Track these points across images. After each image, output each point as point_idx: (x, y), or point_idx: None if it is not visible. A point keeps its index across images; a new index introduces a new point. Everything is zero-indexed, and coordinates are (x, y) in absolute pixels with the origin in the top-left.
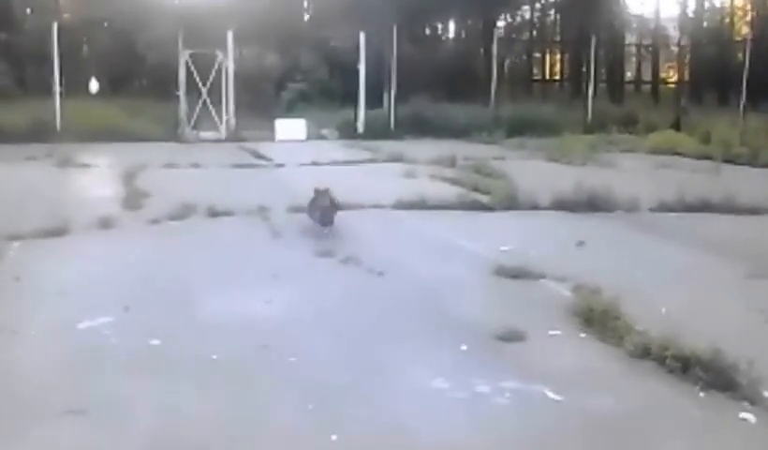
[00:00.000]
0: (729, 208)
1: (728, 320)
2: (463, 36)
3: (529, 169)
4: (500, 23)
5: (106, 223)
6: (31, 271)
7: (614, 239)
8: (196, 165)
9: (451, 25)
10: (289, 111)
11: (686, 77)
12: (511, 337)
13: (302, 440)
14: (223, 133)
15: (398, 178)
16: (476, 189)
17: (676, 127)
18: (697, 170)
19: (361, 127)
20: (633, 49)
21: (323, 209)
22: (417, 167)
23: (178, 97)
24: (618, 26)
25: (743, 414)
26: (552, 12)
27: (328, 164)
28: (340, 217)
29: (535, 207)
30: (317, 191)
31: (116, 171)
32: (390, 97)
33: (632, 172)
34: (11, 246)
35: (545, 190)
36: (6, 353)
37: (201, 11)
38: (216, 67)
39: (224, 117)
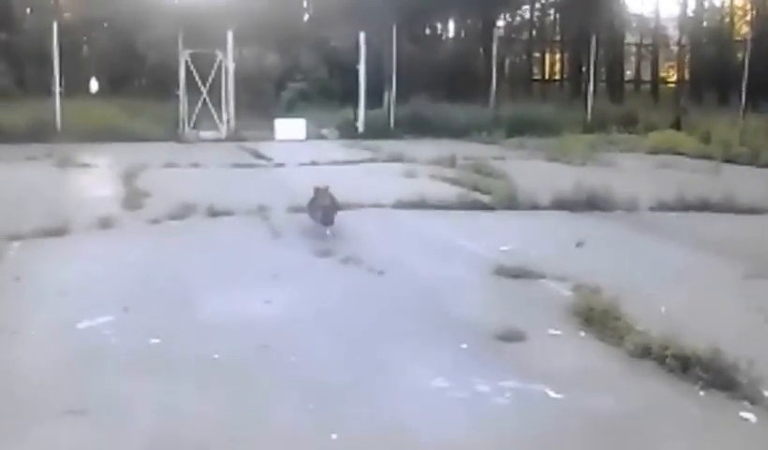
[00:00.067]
0: (729, 208)
1: (728, 319)
2: (462, 35)
3: (529, 169)
4: (500, 23)
5: (106, 223)
6: (31, 271)
7: (614, 239)
8: (196, 165)
9: (451, 25)
10: (289, 110)
11: (686, 76)
12: (511, 336)
13: (302, 439)
14: (223, 133)
15: (398, 178)
16: (476, 189)
17: (676, 126)
18: (697, 169)
19: (360, 126)
20: (633, 48)
21: (324, 209)
22: (417, 167)
23: (178, 96)
24: (618, 26)
25: (743, 414)
26: (551, 12)
27: (328, 164)
28: (340, 216)
29: (535, 207)
30: (317, 190)
31: (116, 170)
32: (389, 96)
33: (632, 171)
34: (11, 246)
35: (545, 190)
36: (6, 353)
37: (201, 11)
38: (216, 66)
39: (224, 117)
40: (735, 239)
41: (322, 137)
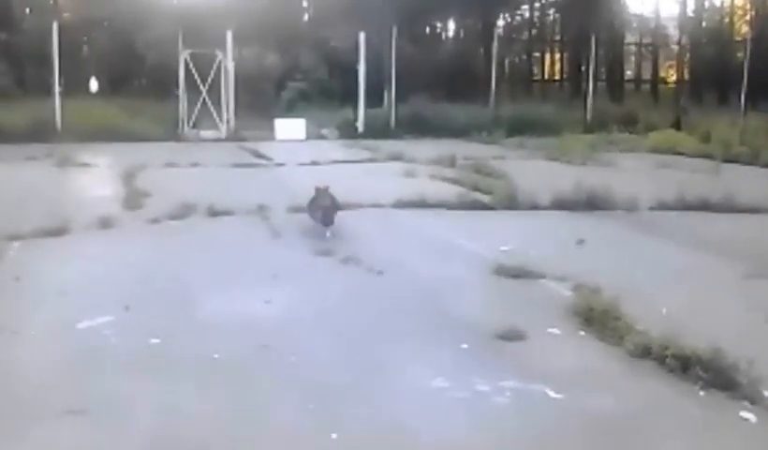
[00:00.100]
0: (729, 208)
1: (728, 319)
2: (462, 35)
3: (529, 168)
4: (500, 23)
5: (106, 223)
6: (31, 271)
7: (614, 239)
8: (196, 164)
9: (451, 25)
10: (289, 110)
11: (686, 76)
12: (512, 336)
13: (302, 439)
14: (223, 133)
15: (398, 178)
16: (476, 189)
17: (676, 126)
18: (697, 169)
19: (360, 126)
20: (633, 48)
21: (325, 209)
22: (417, 166)
23: (178, 96)
24: (618, 25)
25: (743, 414)
26: (551, 12)
27: (328, 163)
28: (340, 216)
29: (535, 207)
30: (317, 190)
31: (116, 170)
32: (389, 96)
33: (632, 171)
34: (11, 246)
35: (545, 190)
36: (6, 353)
37: (201, 11)
38: (216, 66)
39: (224, 117)
40: (735, 239)
41: (322, 137)
